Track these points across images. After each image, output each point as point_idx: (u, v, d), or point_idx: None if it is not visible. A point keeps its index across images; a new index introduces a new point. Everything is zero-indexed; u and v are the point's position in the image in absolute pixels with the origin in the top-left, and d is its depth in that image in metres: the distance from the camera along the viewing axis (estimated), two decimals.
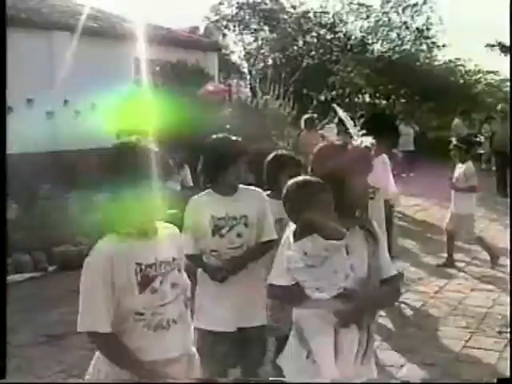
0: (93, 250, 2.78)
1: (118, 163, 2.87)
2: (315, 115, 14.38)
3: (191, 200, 4.34)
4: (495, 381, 2.48)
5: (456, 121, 15.85)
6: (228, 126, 11.82)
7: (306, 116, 14.23)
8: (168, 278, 2.86)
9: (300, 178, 3.01)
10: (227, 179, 4.15)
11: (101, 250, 2.77)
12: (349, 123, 3.88)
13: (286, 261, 2.88)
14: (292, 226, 2.96)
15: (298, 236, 2.85)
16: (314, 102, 22.00)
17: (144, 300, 2.77)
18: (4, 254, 4.92)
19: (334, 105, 4.18)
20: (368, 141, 3.26)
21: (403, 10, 27.40)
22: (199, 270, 4.19)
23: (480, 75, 26.09)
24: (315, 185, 2.89)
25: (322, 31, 27.90)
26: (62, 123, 13.24)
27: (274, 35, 29.13)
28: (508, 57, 26.19)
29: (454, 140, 9.48)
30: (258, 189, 4.37)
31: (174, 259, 2.94)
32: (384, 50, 27.40)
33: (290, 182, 2.97)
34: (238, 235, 4.09)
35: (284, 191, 2.96)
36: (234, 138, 4.28)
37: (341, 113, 4.19)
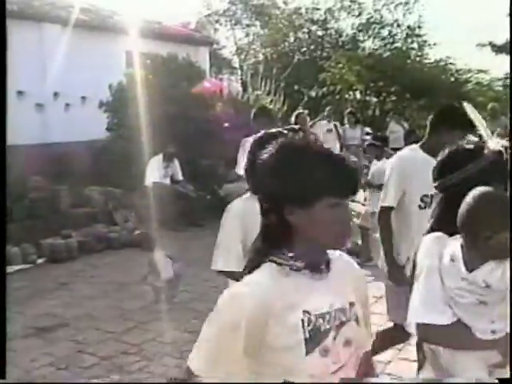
0: (248, 284, 1.98)
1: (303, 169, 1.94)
2: (306, 111, 14.40)
3: (236, 204, 3.55)
4: (496, 381, 2.44)
5: None
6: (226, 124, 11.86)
7: (297, 112, 14.25)
8: (342, 333, 2.03)
9: (489, 188, 2.41)
10: None
11: (260, 286, 1.94)
12: (479, 123, 3.48)
13: (446, 293, 2.43)
14: (440, 248, 2.51)
15: (474, 262, 2.37)
16: (305, 98, 22.00)
17: (312, 364, 1.94)
18: (4, 250, 4.90)
19: (464, 103, 3.71)
20: (502, 143, 2.72)
21: (395, 7, 27.44)
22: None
23: (470, 74, 26.14)
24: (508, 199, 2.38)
25: (314, 27, 27.87)
26: (52, 115, 13.23)
27: (266, 31, 29.10)
28: (499, 56, 26.31)
29: (368, 138, 9.45)
30: None
31: (351, 304, 2.10)
32: (375, 47, 27.41)
33: (482, 191, 2.40)
34: None
35: (473, 201, 2.37)
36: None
37: (470, 111, 3.81)
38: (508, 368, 2.39)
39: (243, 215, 3.36)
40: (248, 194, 3.50)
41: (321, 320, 1.97)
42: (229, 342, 1.91)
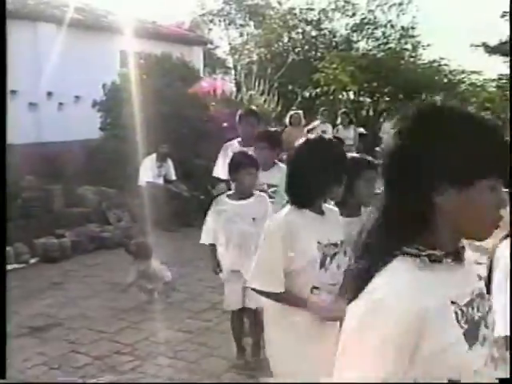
0: (389, 287, 1.60)
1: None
2: (301, 111, 14.43)
3: (278, 218, 3.32)
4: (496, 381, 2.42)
5: None
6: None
7: (292, 112, 14.28)
8: (489, 318, 1.83)
9: None
10: (337, 194, 3.34)
11: (406, 288, 1.59)
12: None
13: None
14: None
15: None
16: (299, 99, 22.01)
17: (474, 357, 1.69)
18: (4, 249, 4.89)
19: None
20: None
21: (389, 8, 27.43)
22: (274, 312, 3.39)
23: (464, 75, 26.21)
24: None
25: (308, 28, 27.82)
26: (45, 115, 13.21)
27: (260, 31, 29.07)
28: (492, 57, 26.39)
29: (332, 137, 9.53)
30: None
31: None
32: (369, 47, 27.39)
33: None
34: (338, 267, 3.27)
35: None
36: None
37: None
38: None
39: (286, 232, 3.17)
40: (288, 207, 3.29)
41: (470, 309, 1.71)
42: (377, 365, 1.56)
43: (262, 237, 3.35)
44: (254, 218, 5.12)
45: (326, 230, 3.23)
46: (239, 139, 6.69)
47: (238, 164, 5.10)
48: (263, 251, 3.29)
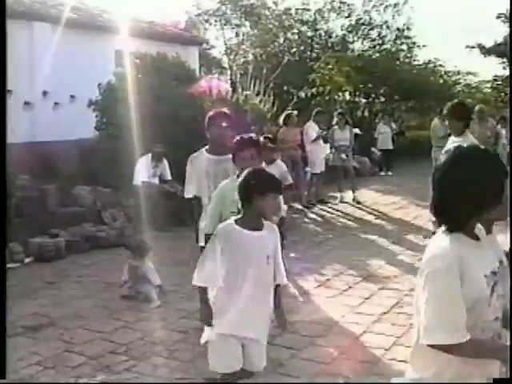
0: None
1: None
2: (295, 112, 14.43)
3: (443, 252, 2.58)
4: (491, 381, 2.35)
5: (435, 121, 15.92)
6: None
7: (287, 113, 14.28)
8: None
9: None
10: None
11: None
12: None
13: None
14: None
15: None
16: (295, 99, 22.02)
17: None
18: (4, 248, 4.88)
19: None
20: None
21: (384, 9, 27.47)
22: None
23: (459, 76, 26.30)
24: None
25: (303, 28, 27.82)
26: (40, 114, 13.20)
27: (255, 31, 29.07)
28: (487, 58, 26.48)
29: (262, 138, 9.45)
30: None
31: None
32: (365, 48, 27.44)
33: None
34: (498, 298, 2.67)
35: None
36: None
37: None
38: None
39: (457, 268, 2.51)
40: (443, 234, 2.67)
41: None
42: None
43: (424, 280, 2.62)
44: (268, 256, 4.06)
45: (486, 256, 2.67)
46: (207, 147, 6.01)
47: (263, 188, 3.97)
48: (439, 297, 2.55)
